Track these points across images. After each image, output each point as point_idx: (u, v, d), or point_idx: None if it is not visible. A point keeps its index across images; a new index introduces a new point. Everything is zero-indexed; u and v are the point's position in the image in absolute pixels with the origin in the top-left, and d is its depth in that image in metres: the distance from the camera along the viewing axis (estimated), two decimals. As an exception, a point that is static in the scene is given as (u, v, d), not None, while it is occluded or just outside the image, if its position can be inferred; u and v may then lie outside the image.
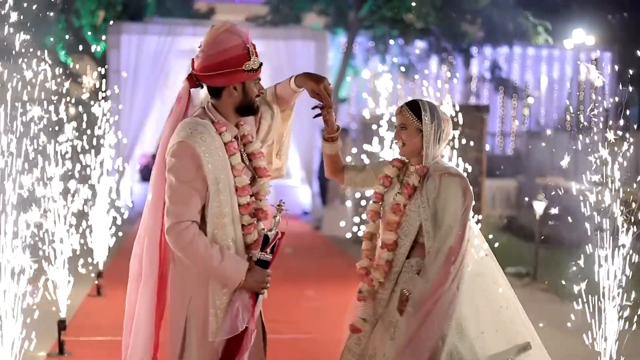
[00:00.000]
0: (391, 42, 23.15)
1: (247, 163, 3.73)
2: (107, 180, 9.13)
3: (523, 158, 24.38)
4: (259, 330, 3.76)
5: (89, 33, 18.33)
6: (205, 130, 3.53)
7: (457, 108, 8.90)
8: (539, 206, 10.41)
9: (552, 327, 7.91)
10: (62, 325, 6.62)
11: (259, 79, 3.67)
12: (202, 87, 3.69)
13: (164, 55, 16.97)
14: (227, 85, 3.58)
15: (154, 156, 16.67)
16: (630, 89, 5.95)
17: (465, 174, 4.14)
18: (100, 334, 7.50)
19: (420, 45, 24.76)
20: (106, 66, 13.43)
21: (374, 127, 10.21)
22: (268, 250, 3.59)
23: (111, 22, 18.08)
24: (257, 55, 3.60)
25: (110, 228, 9.14)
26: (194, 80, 3.66)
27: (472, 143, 10.12)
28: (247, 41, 3.57)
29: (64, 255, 6.85)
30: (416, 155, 4.13)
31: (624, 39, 26.83)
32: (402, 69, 22.38)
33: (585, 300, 5.54)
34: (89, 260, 8.51)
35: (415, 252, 4.09)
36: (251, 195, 3.66)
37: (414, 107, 4.12)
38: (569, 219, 6.25)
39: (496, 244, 6.68)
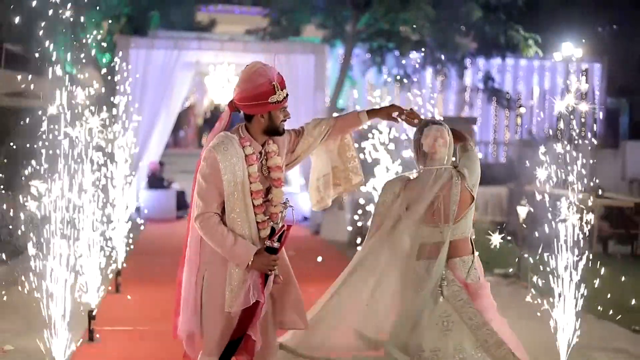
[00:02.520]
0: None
1: (266, 174, 4.62)
2: (124, 188, 9.76)
3: (515, 166, 25.01)
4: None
5: (94, 44, 18.89)
6: (229, 142, 4.47)
7: (447, 120, 9.62)
8: (522, 211, 11.14)
9: (533, 320, 8.71)
10: (91, 315, 7.31)
11: (285, 107, 4.55)
12: (239, 111, 4.60)
13: (171, 67, 17.67)
14: (257, 114, 4.48)
15: (161, 163, 17.18)
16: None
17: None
18: (122, 325, 8.15)
19: (415, 56, 25.28)
20: (116, 78, 13.99)
21: (370, 135, 10.79)
22: (275, 238, 4.46)
23: (115, 35, 18.69)
24: (282, 89, 4.50)
25: (127, 232, 9.84)
26: (233, 106, 4.58)
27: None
28: (272, 79, 4.46)
29: (92, 254, 7.51)
30: (439, 162, 4.91)
31: (612, 51, 27.47)
32: (399, 79, 22.80)
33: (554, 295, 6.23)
34: (111, 260, 9.15)
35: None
36: (265, 200, 4.54)
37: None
38: (547, 222, 6.84)
39: (488, 247, 7.48)
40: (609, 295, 8.36)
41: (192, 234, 4.57)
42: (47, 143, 6.23)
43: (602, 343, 7.73)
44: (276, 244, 4.45)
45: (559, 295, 6.18)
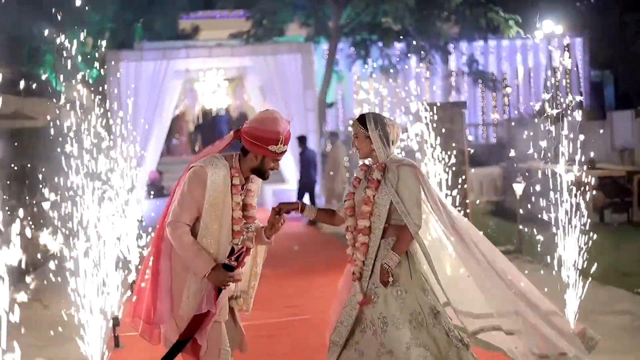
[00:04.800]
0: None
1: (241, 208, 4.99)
2: (130, 198, 10.01)
3: (506, 145, 25.26)
4: (230, 319, 4.99)
5: (80, 60, 19.11)
6: (221, 167, 4.80)
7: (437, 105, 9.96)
8: (518, 187, 11.43)
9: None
10: (116, 321, 7.57)
11: (278, 160, 4.87)
12: (240, 141, 4.89)
13: (161, 77, 17.94)
14: (253, 152, 4.82)
15: (159, 172, 17.32)
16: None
17: (443, 163, 5.18)
18: (143, 330, 8.39)
19: (399, 46, 25.52)
20: (108, 91, 14.15)
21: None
22: (233, 258, 4.78)
23: (103, 50, 18.90)
24: (285, 145, 4.82)
25: (138, 239, 10.11)
26: (238, 135, 4.89)
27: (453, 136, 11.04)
28: (282, 132, 4.79)
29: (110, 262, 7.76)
30: (371, 156, 5.20)
31: (592, 24, 27.76)
32: (385, 69, 22.97)
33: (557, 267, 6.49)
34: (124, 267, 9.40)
35: (389, 233, 5.08)
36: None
37: (362, 119, 5.21)
38: (545, 197, 7.09)
39: (487, 226, 7.76)
40: (609, 262, 8.68)
41: (166, 241, 4.87)
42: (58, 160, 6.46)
43: (606, 307, 8.03)
44: (233, 263, 4.76)
45: (562, 265, 6.44)
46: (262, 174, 4.90)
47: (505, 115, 29.20)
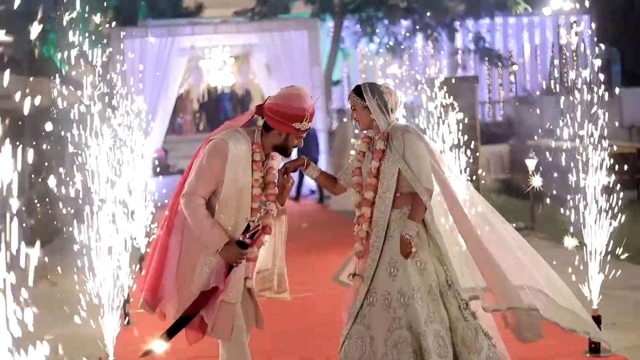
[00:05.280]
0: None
1: (262, 186, 4.84)
2: (139, 176, 9.91)
3: (513, 123, 25.16)
4: (246, 295, 4.85)
5: (85, 40, 18.91)
6: (243, 141, 4.68)
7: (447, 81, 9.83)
8: (530, 163, 11.32)
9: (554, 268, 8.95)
10: (127, 299, 7.49)
11: (302, 137, 4.76)
12: (262, 117, 4.78)
13: (166, 55, 17.79)
14: (277, 129, 4.69)
15: (165, 150, 17.25)
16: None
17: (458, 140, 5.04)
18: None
19: (405, 24, 25.36)
20: (113, 68, 14.00)
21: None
22: (247, 235, 4.65)
23: (107, 26, 18.74)
24: (309, 122, 4.71)
25: (147, 218, 10.02)
26: (260, 111, 4.78)
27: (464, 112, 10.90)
28: (307, 109, 4.68)
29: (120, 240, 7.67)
30: (373, 127, 5.08)
31: (600, 1, 27.53)
32: (391, 47, 22.83)
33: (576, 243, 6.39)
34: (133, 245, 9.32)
35: (402, 202, 4.97)
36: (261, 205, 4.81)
37: (358, 90, 5.09)
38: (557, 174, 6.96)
39: (496, 203, 7.63)
40: (621, 238, 8.57)
41: (182, 208, 4.71)
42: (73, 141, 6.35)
43: (624, 282, 7.91)
44: (248, 240, 4.63)
45: (579, 243, 6.33)
46: (285, 151, 4.79)
47: (512, 93, 29.06)
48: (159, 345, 4.73)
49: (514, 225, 11.76)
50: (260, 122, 4.83)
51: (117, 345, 6.21)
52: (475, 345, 4.90)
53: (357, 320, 4.99)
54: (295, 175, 5.43)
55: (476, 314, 5.00)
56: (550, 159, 14.25)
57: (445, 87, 9.66)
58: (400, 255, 4.87)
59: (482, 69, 28.24)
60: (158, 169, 17.80)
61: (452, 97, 9.51)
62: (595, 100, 6.16)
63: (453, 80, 10.33)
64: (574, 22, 27.87)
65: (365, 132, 5.17)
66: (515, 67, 28.44)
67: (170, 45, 17.80)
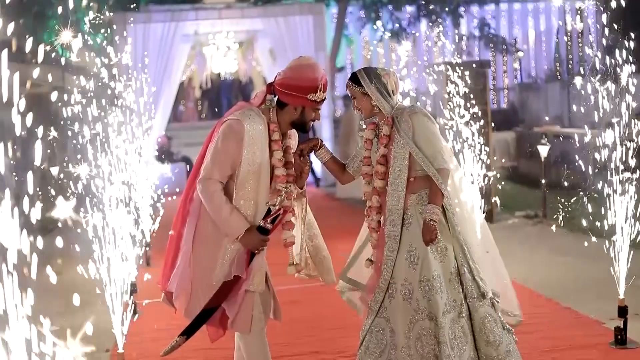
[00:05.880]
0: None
1: None
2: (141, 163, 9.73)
3: (518, 110, 24.98)
4: (264, 285, 4.61)
5: (86, 26, 18.73)
6: (259, 121, 4.46)
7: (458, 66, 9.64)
8: (543, 150, 11.13)
9: (568, 255, 8.83)
10: (133, 288, 7.31)
11: (318, 109, 4.55)
12: (275, 95, 4.57)
13: (169, 40, 17.60)
14: (292, 104, 4.48)
15: (168, 137, 17.09)
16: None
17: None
18: (158, 296, 8.16)
19: (409, 10, 25.18)
20: (116, 54, 13.80)
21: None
22: (269, 220, 4.44)
23: (107, 14, 18.53)
24: (324, 92, 4.50)
25: (152, 204, 9.83)
26: (271, 89, 4.57)
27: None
28: (320, 78, 4.47)
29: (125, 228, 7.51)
30: (376, 113, 4.85)
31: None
32: (395, 33, 22.64)
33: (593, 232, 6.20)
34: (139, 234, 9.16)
35: (419, 186, 4.75)
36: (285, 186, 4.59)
37: (354, 78, 4.84)
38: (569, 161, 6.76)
39: (504, 191, 7.50)
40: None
41: (197, 195, 4.54)
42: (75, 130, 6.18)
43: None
44: (269, 225, 4.43)
45: (602, 230, 6.13)
46: (304, 126, 4.57)
47: (516, 80, 28.87)
48: (178, 343, 4.53)
49: (523, 213, 11.76)
50: (274, 101, 4.63)
51: (125, 336, 6.04)
52: (492, 337, 4.68)
53: (378, 313, 4.82)
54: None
55: (497, 304, 4.81)
56: (558, 146, 14.09)
57: (455, 72, 9.49)
58: (420, 242, 4.65)
59: (487, 56, 27.98)
60: (162, 156, 17.69)
61: (462, 83, 9.34)
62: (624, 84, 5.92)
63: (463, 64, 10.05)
64: (579, 8, 27.73)
65: (370, 119, 4.97)
66: (520, 54, 28.20)
67: (174, 31, 17.64)
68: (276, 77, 4.58)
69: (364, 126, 5.09)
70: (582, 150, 6.74)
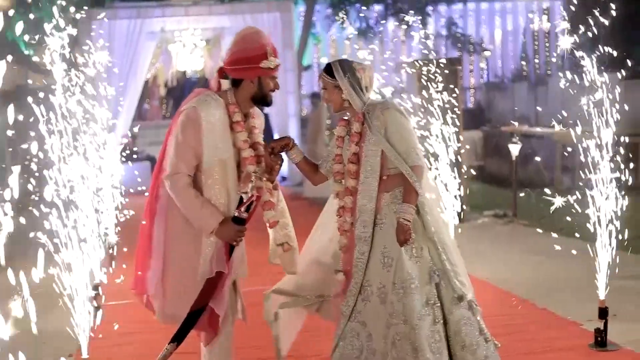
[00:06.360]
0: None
1: None
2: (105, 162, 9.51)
3: (485, 109, 24.99)
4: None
5: (52, 23, 18.41)
6: (215, 104, 4.28)
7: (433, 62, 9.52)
8: (514, 148, 11.05)
9: (541, 255, 8.74)
10: (97, 289, 7.12)
11: (275, 77, 4.38)
12: (227, 78, 4.41)
13: (135, 37, 17.36)
14: (246, 78, 4.30)
15: (132, 136, 16.85)
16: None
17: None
18: (123, 298, 7.97)
19: (377, 8, 25.11)
20: (81, 51, 13.55)
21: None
22: (242, 209, 4.26)
23: (72, 10, 18.22)
24: (275, 57, 4.32)
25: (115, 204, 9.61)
26: (222, 72, 4.40)
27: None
28: (267, 44, 4.30)
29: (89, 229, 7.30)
30: (346, 108, 4.69)
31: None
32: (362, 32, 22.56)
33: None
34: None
35: (392, 184, 4.60)
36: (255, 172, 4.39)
37: (328, 69, 4.69)
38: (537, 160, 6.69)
39: (473, 191, 7.40)
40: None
41: (163, 192, 4.36)
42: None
43: (622, 271, 7.69)
44: (244, 214, 4.26)
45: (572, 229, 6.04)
46: (264, 98, 4.39)
47: (482, 80, 28.88)
48: (169, 351, 4.34)
49: (492, 212, 11.70)
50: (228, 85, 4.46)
51: (89, 339, 5.86)
52: (468, 341, 4.52)
53: (351, 317, 4.65)
54: None
55: (476, 308, 4.65)
56: (527, 146, 14.05)
57: (427, 69, 9.39)
58: (393, 243, 4.48)
59: (454, 55, 27.98)
60: (126, 155, 17.40)
61: (434, 80, 9.24)
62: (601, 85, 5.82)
63: (435, 62, 9.88)
64: (546, 8, 27.83)
65: (341, 115, 4.81)
66: (487, 53, 28.22)
67: (140, 28, 17.40)
68: (224, 58, 4.41)
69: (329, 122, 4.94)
70: (565, 150, 6.62)
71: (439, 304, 4.52)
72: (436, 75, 9.27)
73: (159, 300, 4.40)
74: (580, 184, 6.16)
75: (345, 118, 4.79)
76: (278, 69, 4.37)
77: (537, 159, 12.77)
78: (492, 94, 25.27)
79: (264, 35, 4.34)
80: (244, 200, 4.26)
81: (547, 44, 28.10)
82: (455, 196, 8.30)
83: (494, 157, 16.71)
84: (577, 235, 6.32)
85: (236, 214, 4.25)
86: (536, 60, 28.07)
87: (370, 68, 4.74)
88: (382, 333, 4.50)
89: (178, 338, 4.31)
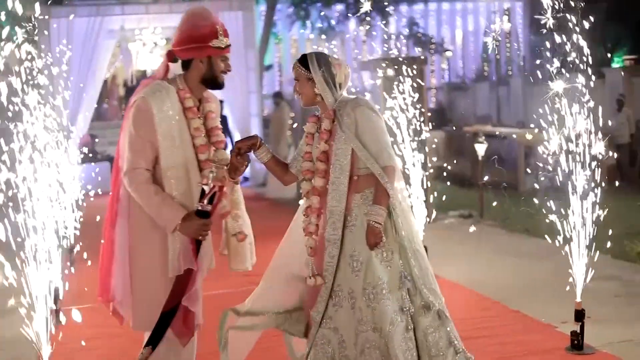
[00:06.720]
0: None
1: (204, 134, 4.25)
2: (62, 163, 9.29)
3: (446, 110, 25.05)
4: None
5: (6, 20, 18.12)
6: (165, 92, 4.07)
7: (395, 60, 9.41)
8: (480, 148, 10.97)
9: (510, 256, 8.68)
10: (57, 296, 6.91)
11: (226, 58, 4.17)
12: (176, 61, 4.21)
13: (94, 36, 17.11)
14: (195, 57, 4.10)
15: (91, 136, 16.62)
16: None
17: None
18: (83, 302, 7.75)
19: (338, 8, 25.07)
20: (38, 49, 13.27)
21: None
22: (205, 201, 4.05)
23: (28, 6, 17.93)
24: (226, 37, 4.13)
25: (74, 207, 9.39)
26: (171, 55, 4.20)
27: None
28: (216, 23, 4.10)
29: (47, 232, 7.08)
30: (317, 102, 4.50)
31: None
32: (324, 31, 22.52)
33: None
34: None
35: (362, 185, 4.40)
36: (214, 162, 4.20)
37: (303, 60, 4.49)
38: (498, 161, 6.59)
39: (436, 191, 7.29)
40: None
41: (123, 192, 4.16)
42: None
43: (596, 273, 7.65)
44: (208, 207, 4.05)
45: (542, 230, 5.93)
46: (215, 80, 4.17)
47: (444, 80, 28.97)
48: (145, 356, 4.11)
49: (457, 213, 11.63)
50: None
51: (51, 346, 5.64)
52: (435, 350, 4.30)
53: (322, 324, 4.45)
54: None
55: (445, 318, 4.43)
56: (491, 145, 13.99)
57: (391, 68, 9.27)
58: (363, 246, 4.29)
59: (415, 55, 28.04)
60: (86, 156, 17.15)
61: (398, 78, 9.12)
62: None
63: (400, 60, 9.73)
64: (507, 9, 27.96)
65: (308, 112, 4.63)
66: (448, 54, 28.30)
67: (99, 26, 17.14)
68: (172, 42, 4.23)
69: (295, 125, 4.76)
70: (528, 150, 6.53)
71: (413, 310, 4.36)
72: (401, 74, 9.14)
73: (128, 307, 4.21)
74: (547, 182, 6.06)
75: (316, 114, 4.61)
76: (229, 51, 4.17)
77: (495, 158, 12.67)
78: (453, 94, 25.33)
79: (213, 14, 4.15)
80: (206, 192, 4.07)
81: (508, 45, 28.21)
82: (424, 196, 8.21)
83: (457, 157, 16.67)
84: (546, 236, 6.20)
85: (199, 207, 4.03)
86: (497, 57, 28.18)
87: (347, 65, 4.58)
88: (353, 340, 4.34)
89: (153, 341, 4.10)
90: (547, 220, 5.85)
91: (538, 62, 6.02)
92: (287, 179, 4.72)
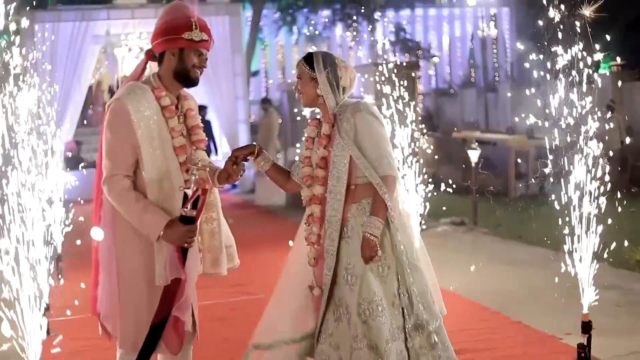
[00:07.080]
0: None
1: (185, 134, 4.05)
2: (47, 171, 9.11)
3: (434, 116, 24.96)
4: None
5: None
6: (140, 92, 3.87)
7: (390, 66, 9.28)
8: (473, 155, 10.85)
9: (507, 264, 8.55)
10: (46, 307, 6.72)
11: (201, 53, 3.96)
12: (156, 58, 4.02)
13: (80, 41, 16.95)
14: (167, 50, 3.92)
15: (77, 142, 16.40)
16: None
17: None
18: (74, 314, 7.57)
19: (325, 14, 25.00)
20: (22, 55, 13.06)
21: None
22: (188, 206, 3.83)
23: (11, 11, 17.71)
24: (203, 31, 3.92)
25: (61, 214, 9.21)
26: (150, 53, 4.03)
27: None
28: (192, 16, 3.90)
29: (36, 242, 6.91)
30: (317, 104, 4.32)
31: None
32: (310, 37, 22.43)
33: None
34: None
35: (360, 195, 4.21)
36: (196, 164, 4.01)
37: (308, 59, 4.32)
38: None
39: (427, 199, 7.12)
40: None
41: (106, 199, 3.95)
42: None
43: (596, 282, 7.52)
44: (191, 212, 3.84)
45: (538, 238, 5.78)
46: (187, 74, 3.96)
47: (431, 86, 28.91)
48: None
49: (449, 220, 11.50)
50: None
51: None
52: None
53: (320, 339, 4.25)
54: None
55: (434, 342, 4.18)
56: (487, 151, 13.86)
57: (383, 73, 9.15)
58: (358, 259, 4.09)
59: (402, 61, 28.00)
60: (64, 163, 16.94)
61: (391, 84, 9.01)
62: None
63: (392, 65, 9.60)
64: (494, 15, 27.91)
65: (314, 114, 4.45)
66: (435, 59, 28.26)
67: (84, 31, 16.97)
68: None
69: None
70: (518, 157, 6.39)
71: (409, 327, 4.18)
72: (395, 80, 9.02)
73: (113, 320, 4.03)
74: (539, 186, 5.89)
75: (318, 117, 4.43)
76: (207, 46, 3.96)
77: (478, 164, 12.55)
78: (440, 100, 25.27)
79: (190, 8, 3.94)
80: (189, 197, 3.86)
81: (495, 51, 28.16)
82: (420, 204, 8.09)
83: (446, 163, 16.55)
84: (546, 240, 6.05)
85: (183, 213, 3.82)
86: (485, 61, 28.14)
87: (354, 70, 4.39)
88: (348, 358, 4.15)
89: (144, 356, 3.93)
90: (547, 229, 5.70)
91: (527, 65, 5.85)
92: (289, 187, 4.53)
